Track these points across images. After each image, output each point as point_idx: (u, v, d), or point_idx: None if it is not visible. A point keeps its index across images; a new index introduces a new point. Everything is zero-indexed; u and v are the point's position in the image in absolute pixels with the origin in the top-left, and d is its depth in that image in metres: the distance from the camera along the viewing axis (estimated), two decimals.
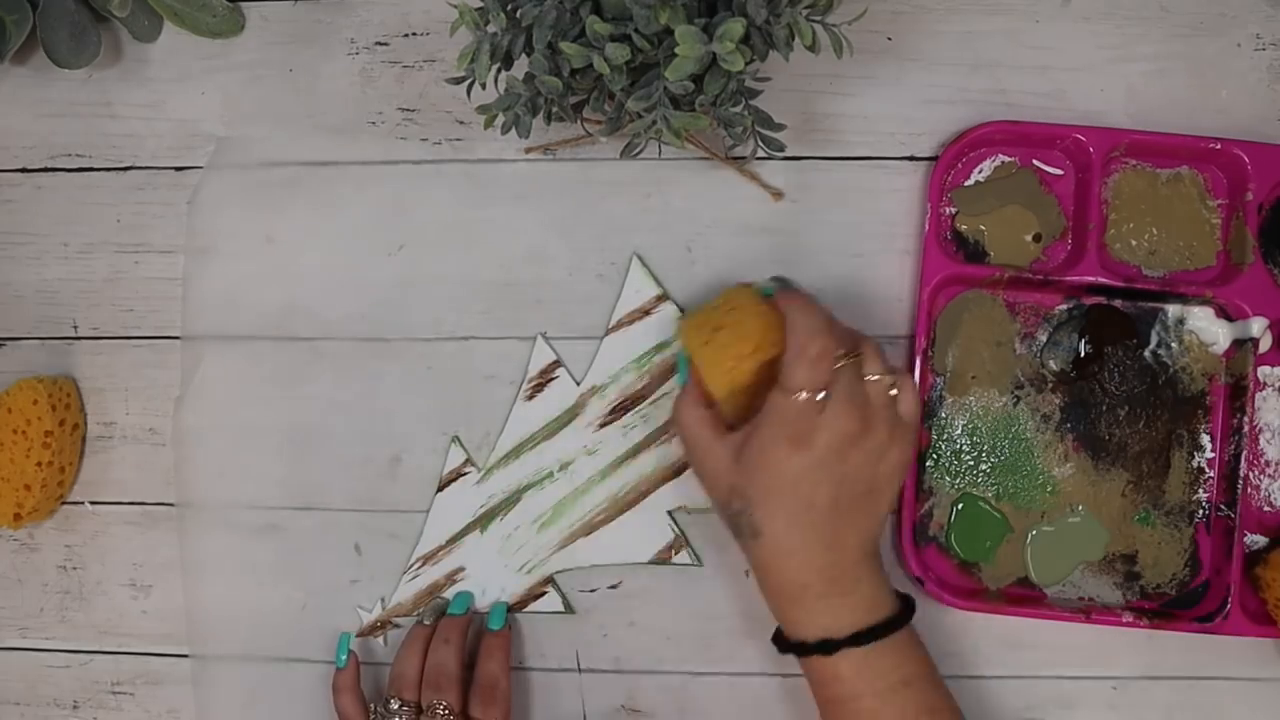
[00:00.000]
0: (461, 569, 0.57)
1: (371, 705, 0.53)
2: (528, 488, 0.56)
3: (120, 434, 0.58)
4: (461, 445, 0.57)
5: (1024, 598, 0.55)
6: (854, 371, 0.47)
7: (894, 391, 0.48)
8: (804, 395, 0.45)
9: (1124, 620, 0.53)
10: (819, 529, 0.46)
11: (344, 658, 0.55)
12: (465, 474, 0.57)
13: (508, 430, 0.57)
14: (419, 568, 0.57)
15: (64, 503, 0.58)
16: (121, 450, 0.58)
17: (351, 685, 0.54)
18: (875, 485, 0.47)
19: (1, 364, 0.59)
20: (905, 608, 0.48)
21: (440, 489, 0.57)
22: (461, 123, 0.57)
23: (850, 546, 0.47)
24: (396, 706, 0.51)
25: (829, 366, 0.46)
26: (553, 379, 0.57)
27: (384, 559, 0.57)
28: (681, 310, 0.56)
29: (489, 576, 0.56)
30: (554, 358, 0.57)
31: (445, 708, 0.51)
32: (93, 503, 0.59)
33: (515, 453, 0.57)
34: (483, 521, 0.57)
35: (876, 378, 0.47)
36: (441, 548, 0.57)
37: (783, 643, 0.49)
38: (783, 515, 0.46)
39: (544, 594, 0.56)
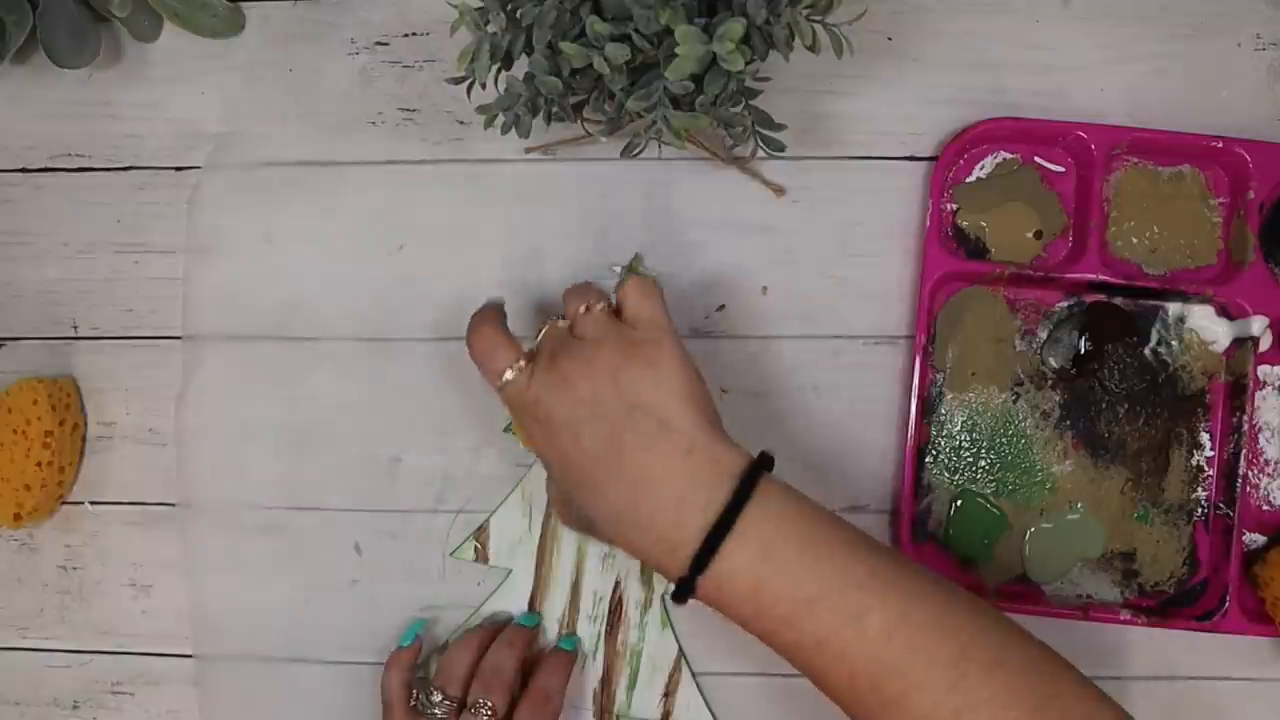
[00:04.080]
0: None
1: (413, 691, 0.52)
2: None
3: (120, 434, 0.58)
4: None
5: (1022, 595, 0.55)
6: (553, 329, 0.46)
7: (603, 306, 0.46)
8: (502, 379, 0.45)
9: (1122, 618, 0.53)
10: (592, 469, 0.43)
11: (411, 638, 0.54)
12: None
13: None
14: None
15: (64, 503, 0.58)
16: (121, 450, 0.58)
17: (408, 664, 0.53)
18: (638, 401, 0.42)
19: (1, 364, 0.59)
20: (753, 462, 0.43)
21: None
22: (461, 123, 0.57)
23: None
24: (439, 699, 0.50)
25: (507, 355, 0.45)
26: None
27: (384, 559, 0.57)
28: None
29: None
30: None
31: (490, 709, 0.49)
32: (93, 503, 0.59)
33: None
34: None
35: (584, 309, 0.45)
36: None
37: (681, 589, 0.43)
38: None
39: None
